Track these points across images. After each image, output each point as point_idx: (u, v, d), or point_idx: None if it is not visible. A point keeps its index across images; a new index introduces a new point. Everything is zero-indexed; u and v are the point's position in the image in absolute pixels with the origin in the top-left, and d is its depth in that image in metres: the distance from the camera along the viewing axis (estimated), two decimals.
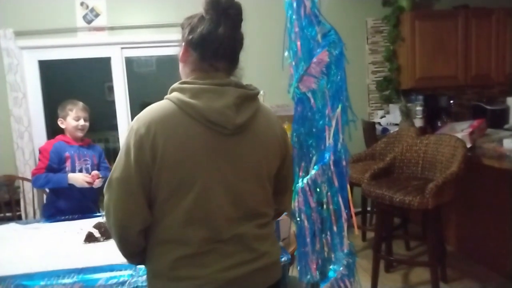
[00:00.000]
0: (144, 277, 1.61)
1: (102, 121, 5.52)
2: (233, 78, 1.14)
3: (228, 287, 1.11)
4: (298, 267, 0.73)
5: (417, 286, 2.84)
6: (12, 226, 2.36)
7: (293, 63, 0.69)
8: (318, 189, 0.67)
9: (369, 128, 3.85)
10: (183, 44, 1.16)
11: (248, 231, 1.14)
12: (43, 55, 3.77)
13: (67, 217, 2.45)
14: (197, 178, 1.07)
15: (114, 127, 4.05)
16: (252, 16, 3.52)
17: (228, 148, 1.10)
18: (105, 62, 3.90)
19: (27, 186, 3.44)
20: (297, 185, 0.68)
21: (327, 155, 0.65)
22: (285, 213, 1.30)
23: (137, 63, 5.66)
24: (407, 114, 3.91)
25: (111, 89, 4.01)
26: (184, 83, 1.11)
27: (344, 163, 0.66)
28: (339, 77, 0.66)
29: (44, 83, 3.89)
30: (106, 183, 1.13)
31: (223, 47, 1.11)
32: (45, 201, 2.73)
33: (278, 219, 1.31)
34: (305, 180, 0.67)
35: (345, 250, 0.69)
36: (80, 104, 2.61)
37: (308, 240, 0.70)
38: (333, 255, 0.69)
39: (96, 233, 2.01)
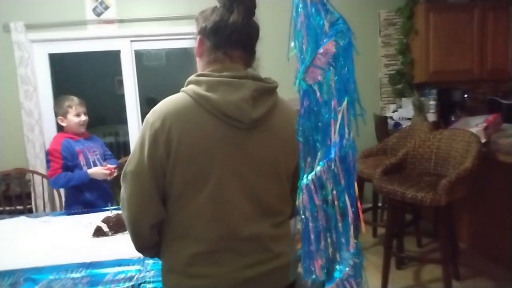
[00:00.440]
0: (152, 272, 1.60)
1: (112, 115, 5.56)
2: (250, 71, 1.11)
3: (243, 287, 1.09)
4: (303, 266, 0.70)
5: (428, 283, 2.79)
6: (22, 219, 2.38)
7: (299, 54, 0.66)
8: (323, 186, 0.63)
9: (381, 123, 3.79)
10: (198, 36, 1.15)
11: (264, 230, 1.11)
12: (53, 48, 3.78)
13: (79, 211, 2.47)
14: (212, 172, 1.05)
15: (124, 121, 4.06)
16: (265, 6, 3.51)
17: (244, 143, 1.07)
18: (115, 56, 3.90)
19: (38, 179, 3.47)
20: (302, 181, 0.65)
21: (332, 151, 0.62)
22: None
23: (147, 56, 5.66)
24: (420, 109, 3.84)
25: (121, 82, 4.02)
26: (200, 75, 1.09)
27: (351, 159, 0.62)
28: (346, 69, 0.62)
29: (54, 76, 3.91)
30: (122, 175, 1.12)
31: (236, 33, 1.09)
32: (64, 197, 2.76)
33: None
34: (309, 177, 0.64)
35: (352, 250, 0.65)
36: (76, 99, 2.63)
37: (312, 238, 0.67)
38: (338, 255, 0.66)
39: (105, 227, 2.02)
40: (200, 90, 1.05)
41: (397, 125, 3.93)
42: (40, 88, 3.69)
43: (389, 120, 3.97)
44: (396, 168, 2.87)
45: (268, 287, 1.13)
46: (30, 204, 3.52)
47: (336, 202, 0.64)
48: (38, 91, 3.65)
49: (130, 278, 1.58)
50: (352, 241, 0.65)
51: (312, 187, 0.64)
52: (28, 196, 3.47)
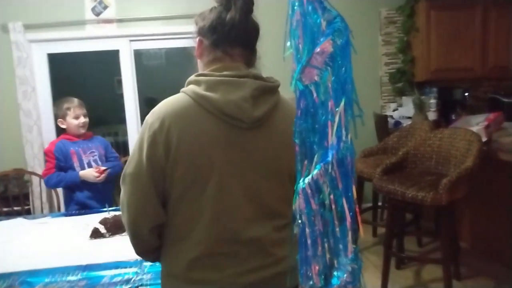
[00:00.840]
0: (150, 275, 1.58)
1: (111, 115, 5.53)
2: (252, 70, 1.10)
3: None
4: (300, 272, 0.68)
5: (429, 283, 2.77)
6: (19, 221, 2.37)
7: (295, 54, 0.63)
8: (320, 190, 0.61)
9: (381, 121, 3.77)
10: (197, 37, 1.13)
11: (266, 234, 1.09)
12: (52, 48, 3.76)
13: (75, 212, 2.46)
14: (212, 173, 1.03)
15: (123, 121, 4.04)
16: (265, 4, 3.47)
17: (245, 143, 1.05)
18: (114, 55, 3.88)
19: (36, 180, 3.45)
20: (298, 185, 0.63)
21: (330, 154, 0.60)
22: None
23: (146, 55, 5.64)
24: (420, 107, 3.82)
25: (120, 82, 4.00)
26: (200, 75, 1.07)
27: (348, 161, 0.60)
28: (344, 69, 0.60)
29: (53, 76, 3.89)
30: (121, 177, 1.10)
31: (235, 30, 1.07)
32: (62, 198, 2.75)
33: None
34: (306, 180, 0.62)
35: (350, 256, 0.63)
36: (76, 100, 2.60)
37: (309, 243, 0.65)
38: (336, 261, 0.64)
39: (102, 229, 2.00)
40: (200, 90, 1.04)
41: (397, 124, 3.91)
42: (38, 89, 3.67)
43: (389, 119, 3.95)
44: (396, 167, 2.85)
45: None
46: (29, 205, 3.50)
47: (333, 206, 0.62)
48: (36, 92, 3.63)
49: (128, 281, 1.56)
50: (350, 246, 0.63)
51: (309, 190, 0.62)
52: (26, 196, 3.46)
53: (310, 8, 0.63)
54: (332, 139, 0.60)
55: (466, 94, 4.04)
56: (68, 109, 2.56)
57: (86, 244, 1.92)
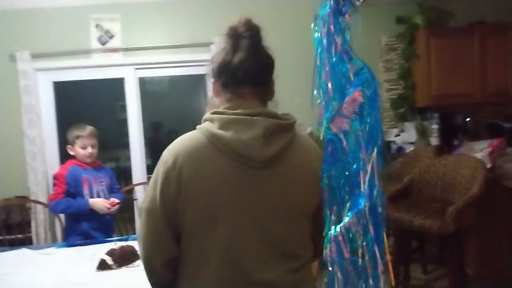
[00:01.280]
0: None
1: (113, 140, 5.55)
2: (266, 108, 1.10)
3: None
4: None
5: None
6: (23, 251, 2.33)
7: (323, 103, 0.65)
8: (352, 238, 0.62)
9: (384, 147, 3.78)
10: (211, 78, 1.17)
11: (280, 276, 1.06)
12: (58, 76, 3.80)
13: (81, 242, 2.43)
14: (222, 212, 1.04)
15: (125, 146, 4.05)
16: (281, 48, 3.48)
17: (256, 182, 1.05)
18: (117, 82, 3.92)
19: (39, 208, 3.43)
20: (329, 232, 0.63)
21: (361, 202, 0.61)
22: None
23: (150, 82, 5.70)
24: (422, 133, 3.84)
25: (122, 108, 4.02)
26: (214, 113, 1.09)
27: (380, 210, 0.61)
28: (373, 118, 0.62)
29: (57, 103, 3.91)
30: (139, 210, 1.12)
31: (242, 71, 1.09)
32: (64, 225, 2.72)
33: None
34: (338, 228, 0.62)
35: None
36: (87, 130, 2.59)
37: None
38: None
39: (109, 261, 1.97)
40: (213, 128, 1.05)
41: (400, 149, 3.92)
42: (43, 116, 3.69)
43: (392, 145, 3.97)
44: (402, 194, 2.86)
45: None
46: (30, 232, 3.46)
47: (365, 255, 0.62)
48: (41, 119, 3.65)
49: None
50: None
51: (341, 238, 0.63)
52: (28, 224, 3.42)
53: (337, 58, 0.66)
54: (364, 187, 0.61)
55: (467, 119, 4.07)
56: (77, 137, 2.56)
57: (94, 276, 1.90)
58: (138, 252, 2.02)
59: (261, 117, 1.04)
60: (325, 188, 0.66)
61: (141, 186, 3.62)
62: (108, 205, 2.52)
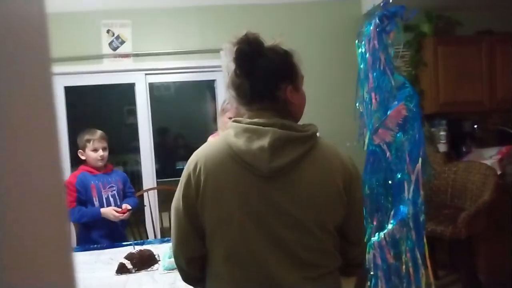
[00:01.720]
0: None
1: (121, 144, 5.59)
2: (281, 119, 1.08)
3: None
4: None
5: None
6: None
7: (365, 116, 0.68)
8: (396, 244, 0.65)
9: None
10: None
11: (295, 284, 1.07)
12: (70, 81, 3.84)
13: (97, 246, 2.45)
14: (233, 217, 1.08)
15: (133, 150, 4.08)
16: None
17: (265, 191, 1.07)
18: (126, 87, 3.96)
19: None
20: (373, 238, 0.67)
21: (405, 210, 0.64)
22: None
23: (158, 87, 5.75)
24: (431, 139, 3.87)
25: (130, 112, 4.06)
26: (235, 120, 1.13)
27: (422, 218, 0.64)
28: (416, 130, 0.65)
29: (67, 108, 3.95)
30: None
31: (243, 93, 1.12)
32: (76, 232, 2.75)
33: None
34: (381, 235, 0.65)
35: None
36: (98, 133, 2.62)
37: None
38: None
39: (128, 264, 2.01)
40: (229, 135, 1.10)
41: None
42: None
43: None
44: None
45: None
46: None
47: (408, 260, 0.66)
48: None
49: None
50: None
51: (385, 244, 0.66)
52: None
53: (380, 73, 0.69)
54: (408, 196, 0.64)
55: (475, 126, 4.10)
56: (88, 141, 2.59)
57: (113, 279, 1.93)
58: (156, 256, 2.07)
59: (273, 128, 1.05)
60: (366, 197, 0.70)
61: (152, 191, 3.64)
62: (118, 214, 2.53)
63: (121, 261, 2.02)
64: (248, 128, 1.07)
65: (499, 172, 2.82)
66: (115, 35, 3.83)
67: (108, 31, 3.83)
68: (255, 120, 1.08)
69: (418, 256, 0.65)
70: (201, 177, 1.08)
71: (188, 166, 1.14)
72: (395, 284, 0.66)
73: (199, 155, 1.13)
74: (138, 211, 2.99)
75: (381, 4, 0.69)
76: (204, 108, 5.68)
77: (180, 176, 1.18)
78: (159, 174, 4.20)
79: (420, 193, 0.63)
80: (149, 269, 2.00)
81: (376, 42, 0.67)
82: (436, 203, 2.86)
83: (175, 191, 1.19)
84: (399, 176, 0.65)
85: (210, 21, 3.89)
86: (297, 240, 1.08)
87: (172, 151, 5.89)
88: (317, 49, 3.91)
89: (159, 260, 2.06)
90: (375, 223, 0.68)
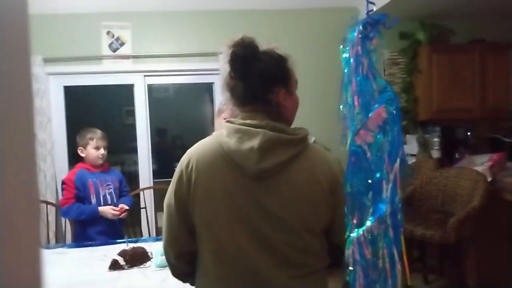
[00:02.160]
0: None
1: (119, 144, 5.61)
2: (272, 122, 1.10)
3: None
4: None
5: None
6: None
7: (347, 117, 0.73)
8: (374, 241, 0.69)
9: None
10: None
11: (282, 282, 1.09)
12: (69, 81, 3.88)
13: (92, 242, 2.49)
14: (220, 215, 1.11)
15: (131, 150, 4.11)
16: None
17: (253, 191, 1.09)
18: (125, 88, 4.00)
19: (47, 209, 3.48)
20: (352, 235, 0.71)
21: (383, 207, 0.68)
22: None
23: (157, 88, 5.78)
24: (424, 145, 3.92)
25: (128, 113, 4.09)
26: (228, 120, 1.16)
27: (399, 216, 0.68)
28: (396, 132, 0.69)
29: (66, 107, 3.98)
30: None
31: (236, 95, 1.15)
32: (72, 229, 2.78)
33: None
34: (360, 231, 0.69)
35: None
36: (99, 132, 2.69)
37: None
38: None
39: (121, 261, 2.04)
40: (223, 135, 1.12)
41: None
42: (54, 119, 3.76)
43: None
44: (403, 204, 2.92)
45: None
46: None
47: (385, 256, 0.69)
48: (52, 122, 3.72)
49: None
50: None
51: (363, 240, 0.70)
52: None
53: (363, 77, 0.73)
54: (386, 195, 0.68)
55: (469, 133, 4.15)
56: (91, 139, 2.64)
57: (106, 276, 1.96)
58: (149, 254, 2.10)
59: (264, 130, 1.07)
60: (347, 195, 0.74)
61: (148, 191, 3.68)
62: (117, 213, 2.59)
63: (114, 258, 2.04)
64: (239, 129, 1.09)
65: (489, 179, 2.86)
66: (115, 37, 3.87)
67: (108, 33, 3.87)
68: (247, 121, 1.10)
69: (395, 252, 0.69)
70: (193, 175, 1.12)
71: (181, 164, 1.17)
72: (373, 278, 0.70)
73: (192, 153, 1.17)
74: (134, 211, 3.02)
75: (365, 12, 0.73)
76: (202, 110, 5.73)
77: None
78: (156, 174, 4.24)
79: (397, 192, 0.67)
80: (141, 266, 2.04)
81: (359, 47, 0.71)
82: (427, 208, 2.90)
83: None
84: (378, 175, 0.69)
85: (209, 26, 3.93)
86: (284, 240, 1.09)
87: (169, 152, 5.93)
88: (313, 55, 3.97)
89: (152, 258, 2.09)
90: (355, 220, 0.72)
